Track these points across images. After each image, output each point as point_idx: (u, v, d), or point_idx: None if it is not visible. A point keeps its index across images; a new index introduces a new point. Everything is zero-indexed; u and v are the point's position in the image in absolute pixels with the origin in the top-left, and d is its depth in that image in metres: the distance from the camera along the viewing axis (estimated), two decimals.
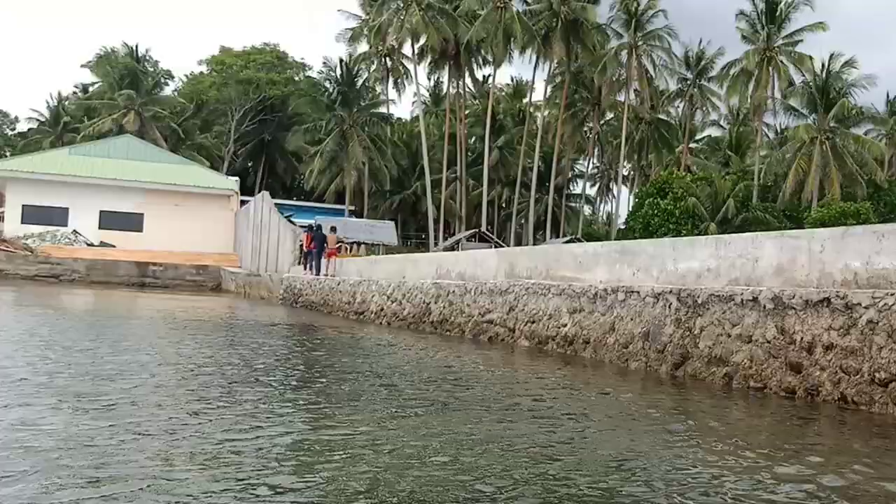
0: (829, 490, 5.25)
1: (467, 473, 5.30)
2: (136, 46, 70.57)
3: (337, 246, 32.02)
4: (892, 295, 8.20)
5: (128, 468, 5.06)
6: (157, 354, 11.77)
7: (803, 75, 53.13)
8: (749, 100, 56.94)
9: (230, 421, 6.76)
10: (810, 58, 53.05)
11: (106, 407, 7.12)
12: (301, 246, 33.70)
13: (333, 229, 32.06)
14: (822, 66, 49.77)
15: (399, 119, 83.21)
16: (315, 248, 30.30)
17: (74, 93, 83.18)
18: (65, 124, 75.13)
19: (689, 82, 64.64)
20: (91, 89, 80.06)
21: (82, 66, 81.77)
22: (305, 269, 31.48)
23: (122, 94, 65.10)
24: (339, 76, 65.04)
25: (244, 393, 8.36)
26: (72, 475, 4.86)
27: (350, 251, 48.30)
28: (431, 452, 5.89)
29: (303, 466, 5.37)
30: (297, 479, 5.05)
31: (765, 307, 9.70)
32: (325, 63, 67.36)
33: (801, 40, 54.46)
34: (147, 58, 73.76)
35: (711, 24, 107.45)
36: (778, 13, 54.09)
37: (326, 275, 29.15)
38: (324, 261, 30.10)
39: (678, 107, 69.05)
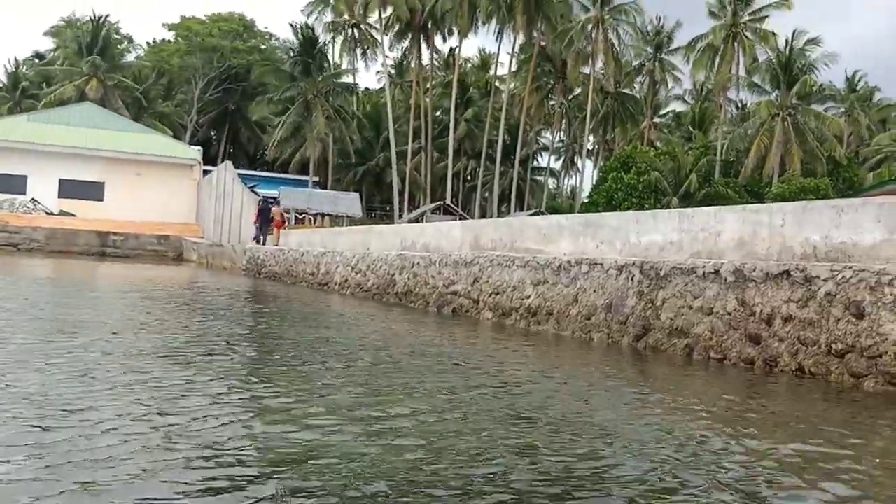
0: (780, 452, 5.37)
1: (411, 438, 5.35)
2: (105, 17, 69.11)
3: (280, 218, 34.72)
4: (849, 268, 8.35)
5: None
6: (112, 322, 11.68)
7: (767, 53, 53.55)
8: (714, 75, 57.30)
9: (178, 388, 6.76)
10: (773, 34, 53.48)
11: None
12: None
13: (277, 202, 34.46)
14: (786, 42, 50.24)
15: (367, 89, 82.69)
16: (260, 222, 33.13)
17: (32, 59, 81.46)
18: (23, 90, 73.57)
19: (648, 57, 64.91)
20: (51, 55, 78.50)
21: (44, 33, 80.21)
22: (255, 240, 33.55)
23: (87, 61, 63.91)
24: (300, 45, 64.28)
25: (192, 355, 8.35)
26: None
27: (314, 222, 48.13)
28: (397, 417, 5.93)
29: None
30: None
31: (726, 280, 9.82)
32: (291, 26, 66.45)
33: (767, 16, 54.86)
34: (110, 24, 72.31)
35: None
36: None
37: (276, 245, 31.58)
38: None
39: (641, 82, 69.38)
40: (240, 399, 6.52)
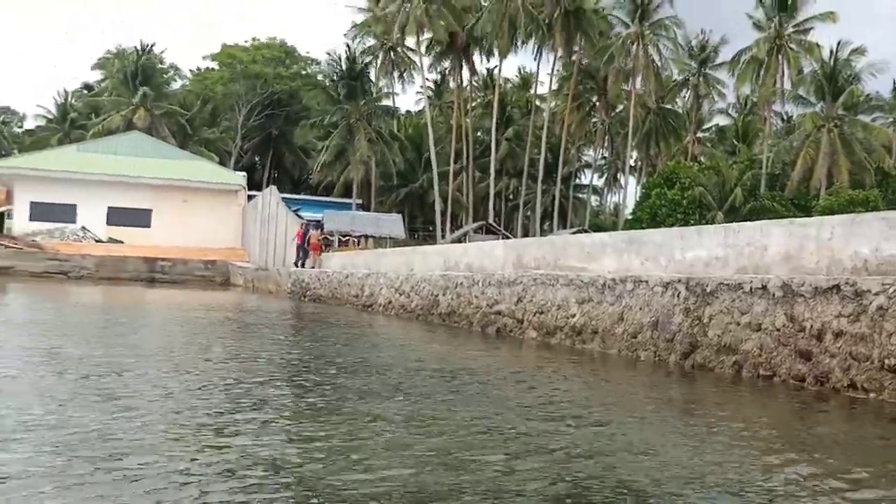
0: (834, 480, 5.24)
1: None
2: (152, 46, 70.70)
3: (318, 242, 35.59)
4: None
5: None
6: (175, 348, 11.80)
7: (812, 64, 52.92)
8: (759, 88, 56.75)
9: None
10: (818, 45, 52.89)
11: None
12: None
13: (321, 226, 35.47)
14: (831, 53, 49.65)
15: (408, 112, 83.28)
16: (301, 244, 34.61)
17: (80, 91, 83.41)
18: (72, 121, 75.34)
19: (692, 71, 64.53)
20: (99, 87, 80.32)
21: (92, 66, 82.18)
22: (295, 263, 34.62)
23: (136, 91, 65.34)
24: (343, 69, 65.00)
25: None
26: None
27: (358, 244, 48.40)
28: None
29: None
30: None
31: (774, 295, 9.66)
32: (328, 55, 67.46)
33: (812, 28, 54.24)
34: (155, 54, 73.84)
35: (717, 11, 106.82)
36: (789, 1, 53.74)
37: (313, 266, 32.72)
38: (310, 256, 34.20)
39: (685, 97, 68.99)
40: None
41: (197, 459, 5.11)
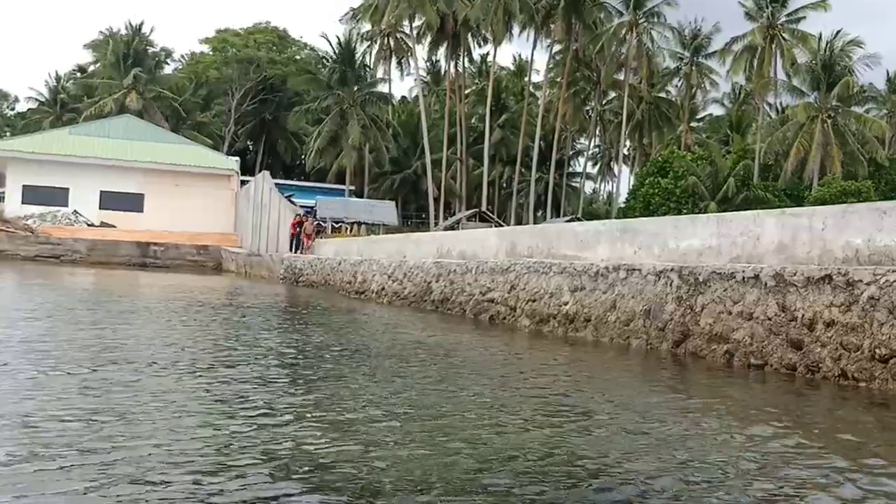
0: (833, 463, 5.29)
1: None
2: (141, 25, 70.23)
3: (314, 229, 36.38)
4: (893, 272, 8.21)
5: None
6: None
7: (805, 54, 52.88)
8: (752, 78, 56.72)
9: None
10: (812, 35, 52.81)
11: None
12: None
13: (314, 213, 35.89)
14: (826, 43, 49.64)
15: (403, 98, 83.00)
16: (296, 233, 35.20)
17: (73, 73, 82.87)
18: (64, 104, 74.93)
19: (685, 60, 64.45)
20: (90, 69, 79.81)
21: (85, 46, 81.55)
22: (291, 250, 35.00)
23: (128, 74, 64.99)
24: (336, 55, 64.66)
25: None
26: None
27: (350, 231, 48.35)
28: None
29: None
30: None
31: (766, 284, 9.71)
32: (323, 37, 67.21)
33: (804, 17, 54.13)
34: (148, 38, 73.33)
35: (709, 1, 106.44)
36: None
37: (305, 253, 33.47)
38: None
39: (678, 85, 68.91)
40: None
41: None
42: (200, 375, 7.98)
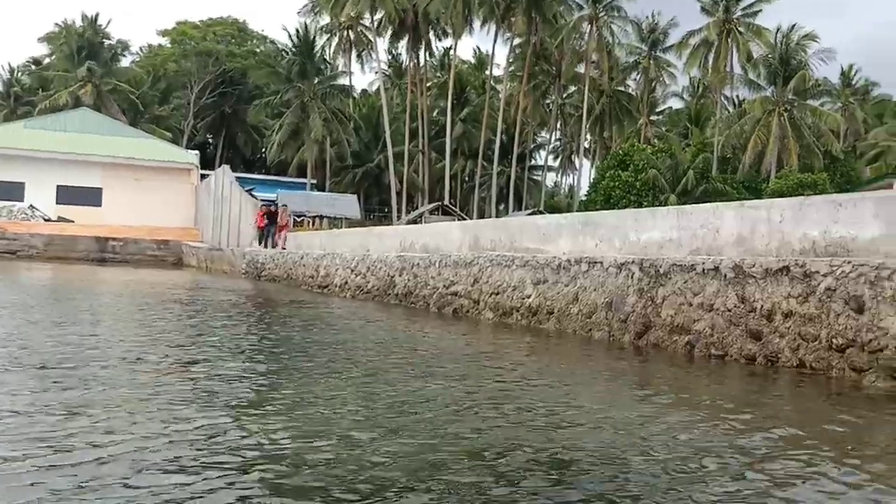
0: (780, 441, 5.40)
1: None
2: (96, 16, 69.06)
3: (285, 222, 34.84)
4: (848, 263, 8.38)
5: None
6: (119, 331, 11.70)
7: (762, 48, 53.58)
8: (709, 72, 57.36)
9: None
10: (768, 30, 53.53)
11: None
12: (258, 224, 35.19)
13: (275, 205, 35.15)
14: (782, 37, 50.31)
15: (364, 91, 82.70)
16: (266, 225, 33.50)
17: (27, 65, 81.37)
18: (18, 97, 73.59)
19: (643, 54, 64.97)
20: (45, 61, 78.42)
21: (39, 39, 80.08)
22: (261, 244, 33.55)
23: (82, 67, 63.93)
24: (295, 47, 64.15)
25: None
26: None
27: (312, 225, 48.12)
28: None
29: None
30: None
31: (726, 276, 9.86)
32: (284, 30, 66.78)
33: (760, 10, 54.87)
34: (104, 30, 72.11)
35: None
36: None
37: (284, 248, 31.18)
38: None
39: (637, 79, 69.48)
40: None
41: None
42: (168, 373, 7.92)
